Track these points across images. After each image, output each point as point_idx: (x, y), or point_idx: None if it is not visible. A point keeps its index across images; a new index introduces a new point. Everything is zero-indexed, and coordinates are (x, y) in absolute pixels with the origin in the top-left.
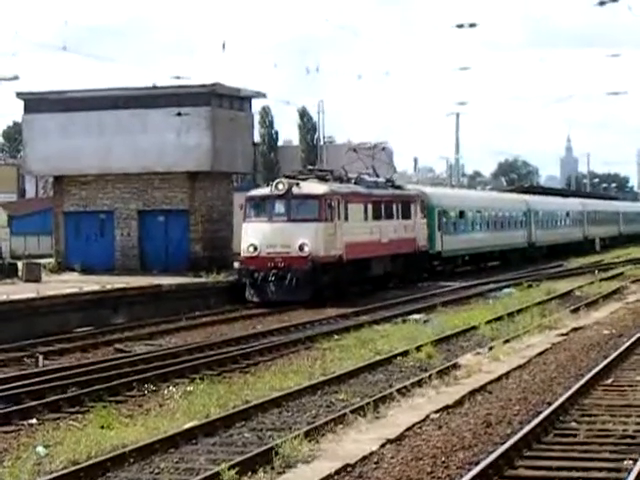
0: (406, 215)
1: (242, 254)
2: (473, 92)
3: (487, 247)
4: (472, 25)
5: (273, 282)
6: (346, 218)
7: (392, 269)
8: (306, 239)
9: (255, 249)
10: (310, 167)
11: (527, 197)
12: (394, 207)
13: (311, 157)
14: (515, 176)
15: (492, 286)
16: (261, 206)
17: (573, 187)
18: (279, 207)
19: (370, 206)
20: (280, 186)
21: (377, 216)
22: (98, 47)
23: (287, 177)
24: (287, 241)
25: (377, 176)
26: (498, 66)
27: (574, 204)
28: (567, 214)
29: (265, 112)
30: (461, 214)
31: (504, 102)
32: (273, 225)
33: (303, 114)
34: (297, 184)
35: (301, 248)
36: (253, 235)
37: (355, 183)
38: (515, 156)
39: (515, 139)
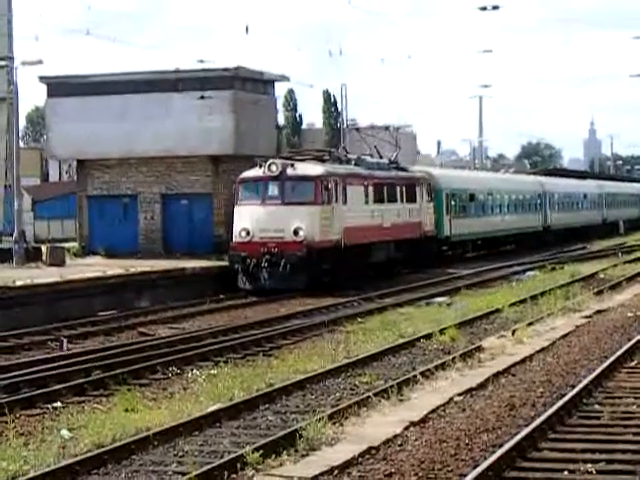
0: (411, 198)
1: (234, 239)
2: (496, 75)
3: (499, 231)
4: (495, 7)
5: (266, 269)
6: (344, 201)
7: (396, 255)
8: (301, 223)
9: (247, 234)
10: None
11: (542, 179)
12: (397, 190)
13: (334, 140)
14: (539, 159)
15: (516, 269)
16: (254, 188)
17: (596, 170)
18: (272, 189)
19: (371, 188)
20: (273, 167)
21: (379, 199)
22: (121, 31)
23: (282, 157)
24: (281, 225)
25: (380, 157)
26: (521, 49)
27: (591, 186)
28: (584, 196)
29: (289, 95)
30: (471, 197)
31: (528, 84)
32: (266, 208)
33: (328, 97)
34: (291, 165)
35: (296, 233)
36: (245, 219)
37: (355, 164)
38: (539, 139)
39: (539, 122)
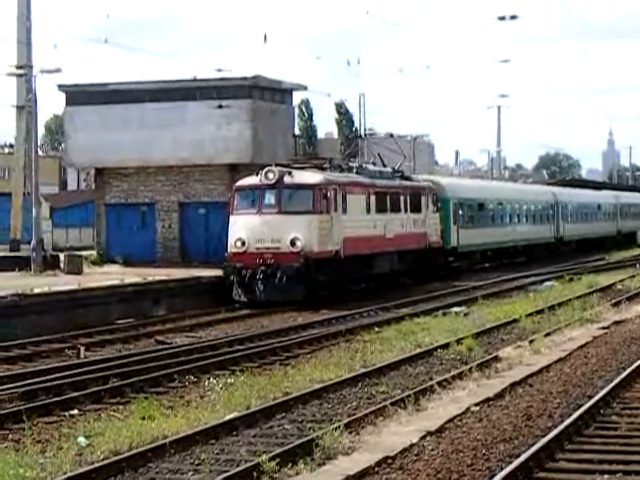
0: (416, 208)
1: (229, 249)
2: (514, 85)
3: (509, 242)
4: (513, 17)
5: (262, 280)
6: (344, 210)
7: (399, 267)
8: (298, 233)
9: (243, 244)
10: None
11: (555, 189)
12: (401, 199)
13: (350, 150)
14: (557, 169)
15: (533, 279)
16: (250, 197)
17: (615, 180)
18: (269, 198)
19: (373, 197)
20: (270, 175)
21: (381, 209)
22: (138, 40)
23: (279, 165)
24: (277, 235)
25: (384, 165)
26: (539, 59)
27: (606, 196)
28: (599, 207)
29: (304, 105)
30: (480, 206)
31: (546, 94)
32: (262, 218)
33: (340, 107)
34: (289, 173)
35: (293, 243)
36: (240, 229)
37: (357, 173)
38: (557, 149)
39: (557, 132)
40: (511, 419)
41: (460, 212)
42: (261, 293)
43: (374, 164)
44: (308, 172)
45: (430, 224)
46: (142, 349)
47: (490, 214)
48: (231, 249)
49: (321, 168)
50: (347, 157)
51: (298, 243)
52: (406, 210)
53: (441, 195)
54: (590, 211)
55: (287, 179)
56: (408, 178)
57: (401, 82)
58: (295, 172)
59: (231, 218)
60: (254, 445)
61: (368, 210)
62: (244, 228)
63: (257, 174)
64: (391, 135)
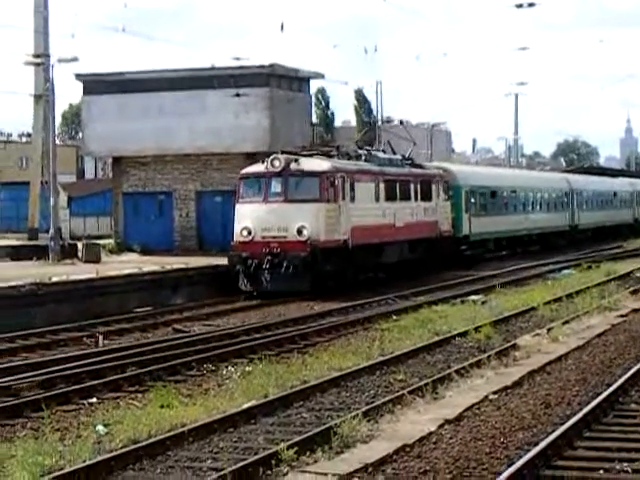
0: (426, 196)
1: (234, 238)
2: (532, 72)
3: (523, 230)
4: (531, 5)
5: (268, 270)
6: (352, 199)
7: (409, 256)
8: (305, 222)
9: (249, 233)
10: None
11: (569, 176)
12: (411, 187)
13: (367, 138)
14: (574, 157)
15: (551, 267)
16: (256, 185)
17: (632, 168)
18: (275, 186)
19: (382, 185)
20: (276, 162)
21: (391, 197)
22: (155, 29)
23: (286, 153)
24: (284, 224)
25: (393, 153)
26: (557, 46)
27: (622, 184)
28: (614, 194)
29: (321, 93)
30: (493, 194)
31: (563, 82)
32: (268, 206)
33: (359, 95)
34: (295, 160)
35: (299, 232)
36: (246, 217)
37: (365, 160)
38: (575, 136)
39: (575, 119)
40: (529, 407)
41: (472, 200)
42: (267, 283)
43: (384, 151)
44: (315, 159)
45: (441, 212)
46: (160, 337)
47: (503, 202)
48: (237, 238)
49: (329, 155)
50: (363, 144)
51: (305, 232)
52: (416, 198)
53: (452, 183)
54: (606, 199)
55: (293, 166)
56: (419, 166)
57: (418, 70)
58: (302, 159)
59: (237, 206)
60: (272, 433)
61: (377, 198)
62: (250, 217)
63: (263, 162)
64: (401, 122)
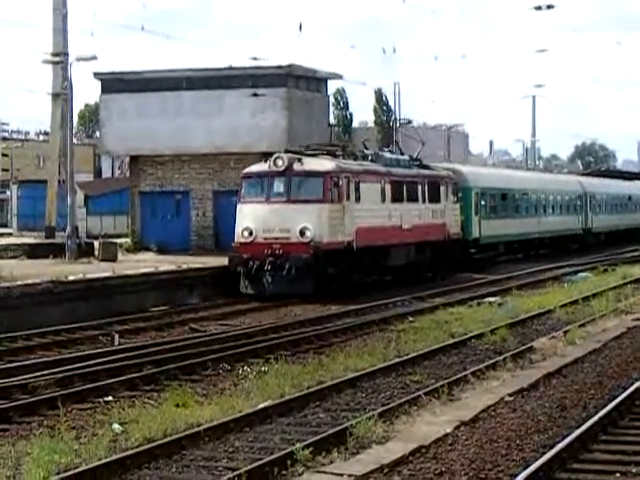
0: (434, 198)
1: (235, 239)
2: (550, 74)
3: (534, 233)
4: (550, 7)
5: (269, 272)
6: (358, 199)
7: (417, 259)
8: (308, 223)
9: (250, 234)
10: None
11: (583, 179)
12: (419, 188)
13: (386, 138)
14: (591, 159)
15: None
16: (258, 185)
17: None
18: (278, 186)
19: (388, 187)
20: (279, 162)
21: (397, 198)
22: (173, 28)
23: (290, 152)
24: (286, 225)
25: (401, 153)
26: (575, 48)
27: (638, 187)
28: (629, 198)
29: (339, 94)
30: (503, 196)
31: (582, 84)
32: (271, 207)
33: (379, 95)
34: (299, 160)
35: (302, 233)
36: (248, 218)
37: (371, 160)
38: (592, 139)
39: (593, 122)
40: (545, 410)
41: (482, 202)
42: (269, 285)
43: (392, 152)
44: (319, 159)
45: (450, 214)
46: (176, 337)
47: (514, 204)
48: (238, 239)
49: (334, 155)
50: (382, 146)
51: (308, 233)
52: (424, 200)
53: (462, 184)
54: (620, 202)
55: (297, 166)
56: (427, 166)
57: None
58: (305, 159)
59: (238, 206)
60: (288, 433)
61: (383, 199)
62: (252, 217)
63: (266, 161)
64: (409, 122)
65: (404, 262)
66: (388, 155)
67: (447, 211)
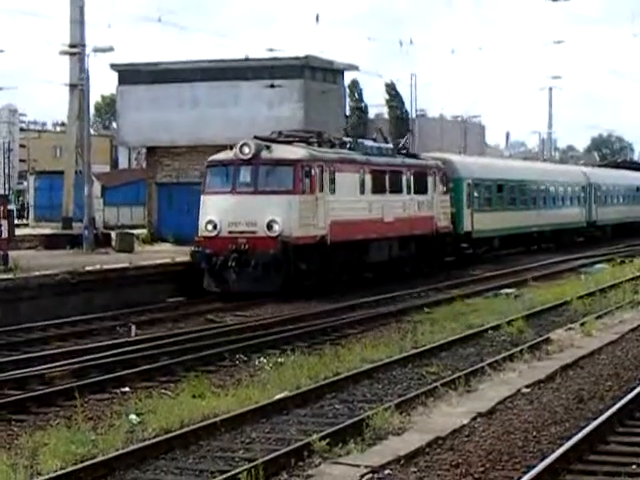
0: (421, 189)
1: (199, 233)
2: (567, 66)
3: (533, 226)
4: None
5: (234, 269)
6: (332, 190)
7: (400, 254)
8: (276, 216)
9: (214, 227)
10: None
11: (587, 169)
12: (403, 179)
13: (401, 130)
14: (608, 151)
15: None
16: (223, 174)
17: None
18: (244, 175)
19: (368, 177)
20: (246, 149)
21: (379, 189)
22: (190, 19)
23: (258, 138)
24: (253, 218)
25: (386, 142)
26: (592, 40)
27: None
28: (637, 189)
29: (354, 85)
30: (499, 187)
31: (599, 76)
32: (236, 198)
33: (391, 88)
34: (267, 147)
35: (270, 227)
36: (212, 210)
37: (350, 148)
38: (609, 131)
39: (609, 114)
40: (562, 401)
41: (475, 194)
42: (233, 283)
43: (374, 140)
44: (290, 147)
45: (438, 207)
46: (193, 328)
47: (511, 196)
48: (201, 233)
49: (307, 142)
50: (395, 139)
51: (275, 227)
52: (409, 191)
53: (453, 175)
54: (629, 193)
55: (265, 154)
56: (413, 155)
57: (453, 63)
58: (275, 146)
59: (202, 198)
60: (304, 424)
61: (362, 191)
62: (216, 209)
63: (231, 148)
64: (405, 112)
65: (386, 258)
66: (369, 143)
67: (435, 203)
